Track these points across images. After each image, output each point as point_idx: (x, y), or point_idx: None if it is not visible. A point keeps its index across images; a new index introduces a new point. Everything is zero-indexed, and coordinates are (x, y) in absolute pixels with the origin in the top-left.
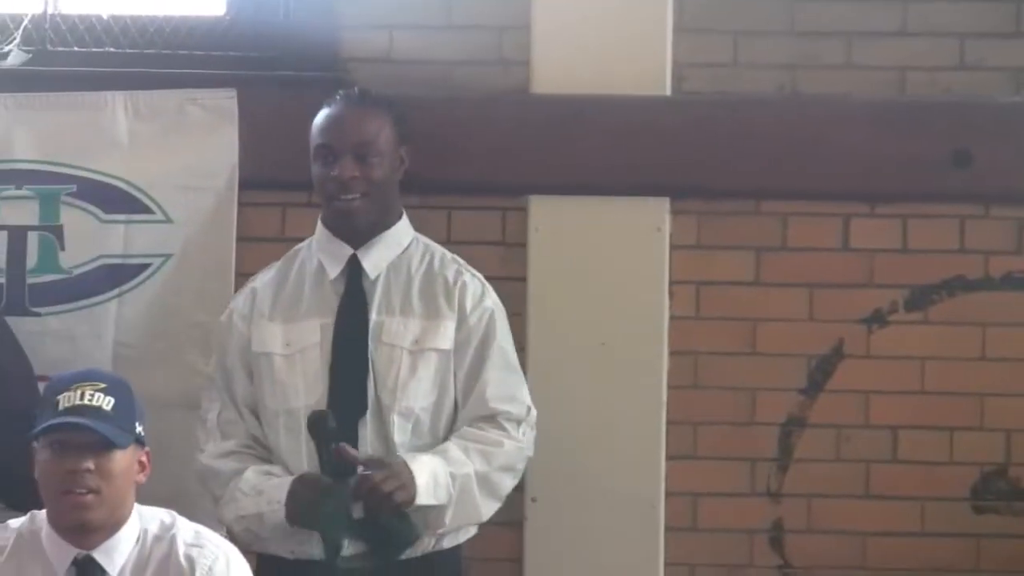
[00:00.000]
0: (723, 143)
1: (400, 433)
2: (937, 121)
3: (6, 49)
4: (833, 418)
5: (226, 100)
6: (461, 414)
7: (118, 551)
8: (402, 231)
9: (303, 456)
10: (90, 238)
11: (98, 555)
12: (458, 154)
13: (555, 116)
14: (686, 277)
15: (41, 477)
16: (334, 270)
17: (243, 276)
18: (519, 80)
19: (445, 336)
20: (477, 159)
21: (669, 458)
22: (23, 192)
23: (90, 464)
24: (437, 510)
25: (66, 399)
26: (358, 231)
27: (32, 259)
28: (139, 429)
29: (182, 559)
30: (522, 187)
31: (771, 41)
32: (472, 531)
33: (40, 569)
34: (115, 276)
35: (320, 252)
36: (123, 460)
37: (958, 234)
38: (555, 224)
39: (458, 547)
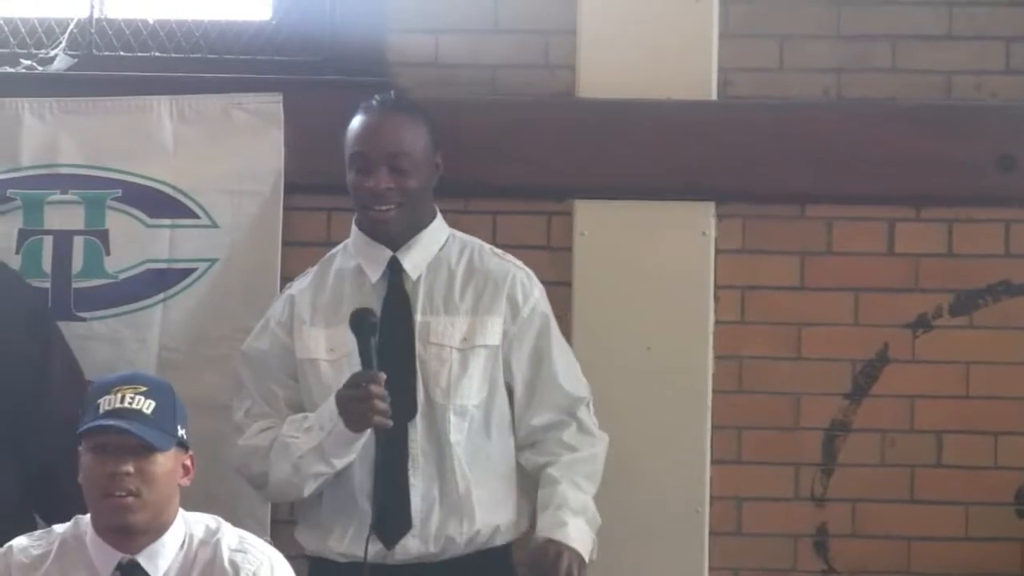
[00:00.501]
0: (768, 147)
1: (456, 432)
2: (982, 125)
3: (52, 53)
4: (878, 423)
5: (272, 104)
6: (533, 403)
7: (162, 556)
8: (438, 229)
9: (366, 456)
10: (135, 242)
11: (142, 559)
12: (503, 158)
13: (601, 120)
14: (731, 281)
15: (84, 480)
16: (375, 273)
17: (288, 280)
18: (565, 84)
19: (493, 332)
20: (522, 163)
21: (714, 462)
22: (68, 196)
23: (130, 467)
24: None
25: (107, 402)
26: (393, 238)
27: (78, 264)
28: (181, 432)
29: (227, 564)
30: (567, 191)
31: (817, 45)
32: (523, 528)
33: (85, 573)
34: (160, 280)
35: (359, 256)
36: (165, 463)
37: (1003, 238)
38: (600, 228)
39: (508, 545)
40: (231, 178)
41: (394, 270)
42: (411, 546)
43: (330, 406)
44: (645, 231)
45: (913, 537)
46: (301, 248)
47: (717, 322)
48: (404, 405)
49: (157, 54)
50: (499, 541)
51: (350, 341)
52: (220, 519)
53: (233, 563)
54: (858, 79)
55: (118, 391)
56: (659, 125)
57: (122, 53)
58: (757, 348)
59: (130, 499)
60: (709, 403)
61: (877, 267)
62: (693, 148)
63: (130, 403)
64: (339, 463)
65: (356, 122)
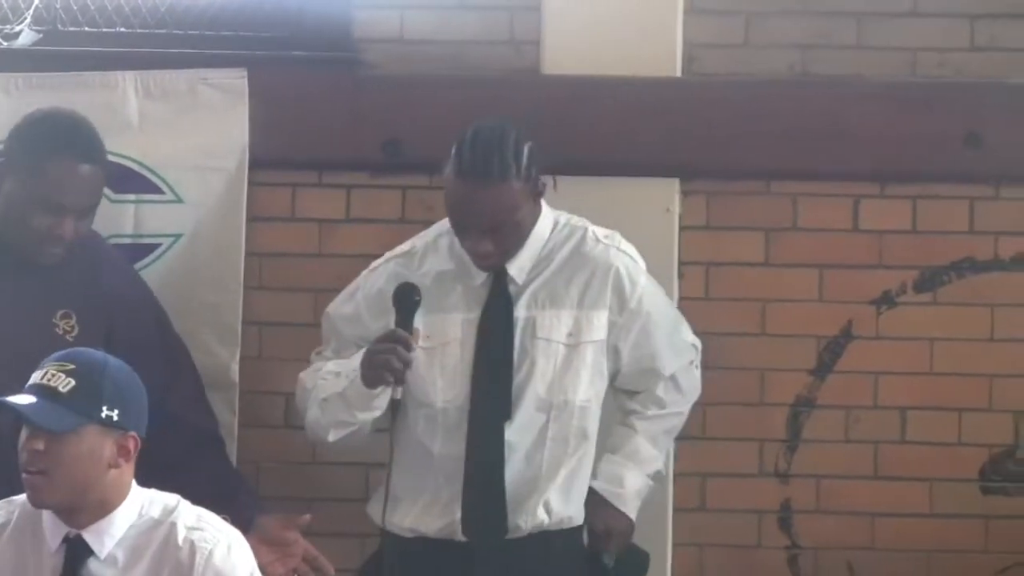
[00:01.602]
0: (734, 124)
1: (555, 426)
2: (948, 102)
3: (17, 29)
4: (842, 399)
5: (237, 80)
6: (634, 382)
7: (109, 534)
8: (542, 228)
9: (437, 433)
10: (101, 218)
11: (87, 535)
12: None
13: (565, 96)
14: (696, 258)
15: None
16: (479, 276)
17: (253, 256)
18: (530, 60)
19: (599, 327)
20: None
21: (678, 439)
22: None
23: (40, 445)
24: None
25: (35, 376)
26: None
27: None
28: (108, 413)
29: (182, 543)
30: None
31: (782, 21)
32: None
33: (37, 543)
34: (126, 256)
35: (465, 254)
36: (79, 444)
37: (968, 215)
38: (565, 204)
39: (579, 527)
40: (196, 154)
41: (498, 273)
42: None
43: (359, 355)
44: (610, 207)
45: (877, 513)
46: (266, 223)
47: (682, 298)
48: (497, 402)
49: (122, 30)
50: (568, 525)
51: (449, 330)
52: (180, 498)
53: (189, 541)
54: (823, 56)
55: (47, 368)
56: (624, 102)
57: (87, 29)
58: (722, 324)
59: (38, 477)
60: None
61: (842, 243)
62: (658, 124)
63: (48, 380)
64: (361, 416)
65: (450, 185)
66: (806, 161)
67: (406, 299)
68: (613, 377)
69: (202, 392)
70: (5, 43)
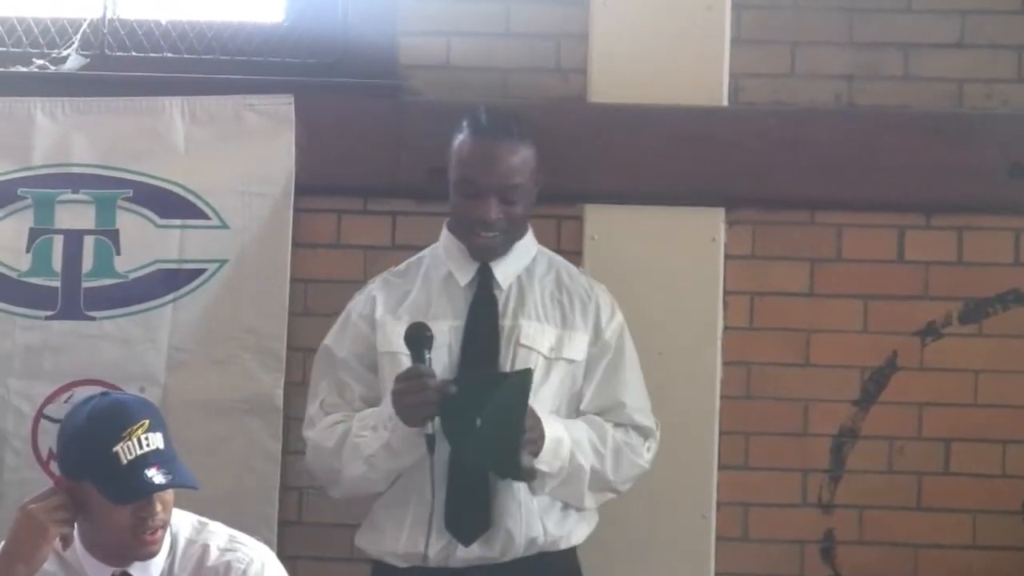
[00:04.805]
0: (779, 153)
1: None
2: (994, 133)
3: (64, 53)
4: (886, 430)
5: (283, 106)
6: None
7: (154, 563)
8: (529, 243)
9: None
10: (146, 243)
11: (134, 571)
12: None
13: (611, 125)
14: (740, 287)
15: (100, 518)
16: (464, 278)
17: (298, 282)
18: (576, 88)
19: (579, 348)
20: None
21: (721, 468)
22: (80, 196)
23: (158, 506)
24: (542, 474)
25: (131, 449)
26: (491, 257)
27: (88, 263)
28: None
29: (217, 564)
30: (578, 195)
31: (829, 52)
32: (588, 531)
33: None
34: (170, 281)
35: (449, 260)
36: (172, 492)
37: (1014, 247)
38: (610, 233)
39: (574, 549)
40: (242, 179)
41: (484, 276)
42: (473, 549)
43: (387, 403)
44: (655, 236)
45: (920, 545)
46: (311, 250)
47: (726, 328)
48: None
49: (169, 55)
50: (563, 545)
51: (436, 336)
52: (208, 520)
53: (224, 562)
54: (869, 86)
55: (133, 434)
56: (670, 130)
57: (134, 54)
58: (766, 354)
59: (159, 533)
60: (717, 408)
61: (887, 274)
62: (704, 153)
63: (148, 445)
64: (411, 458)
65: (467, 144)
66: (851, 191)
67: (418, 336)
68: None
69: None
70: (52, 67)
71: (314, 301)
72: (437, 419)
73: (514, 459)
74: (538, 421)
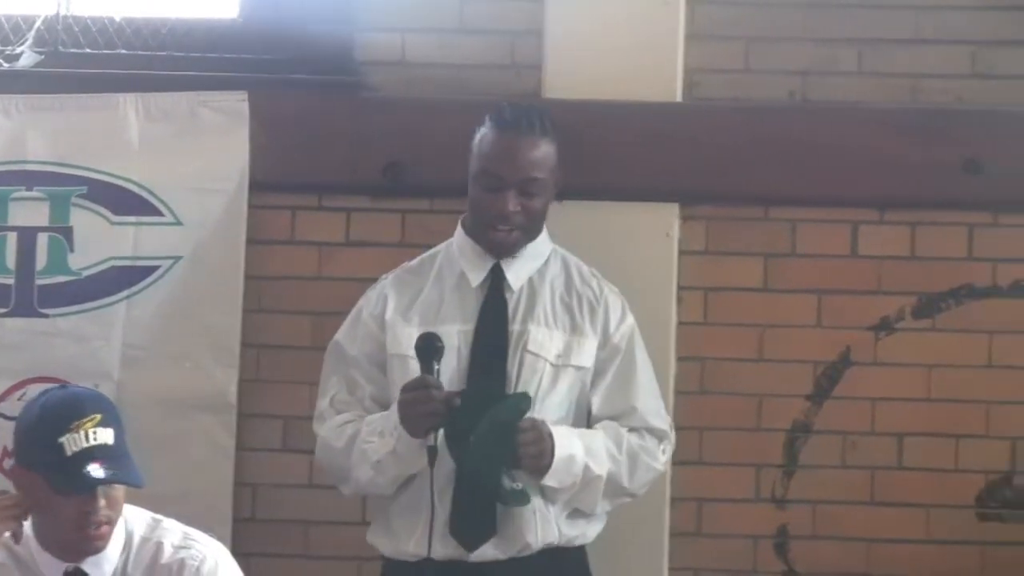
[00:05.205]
0: (733, 149)
1: None
2: (948, 129)
3: (18, 50)
4: (839, 425)
5: (238, 103)
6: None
7: (107, 560)
8: (542, 243)
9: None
10: (100, 240)
11: (87, 567)
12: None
13: (566, 121)
14: (695, 283)
15: (46, 511)
16: (476, 278)
17: (252, 279)
18: (531, 84)
19: (588, 354)
20: None
21: (675, 463)
22: (34, 193)
23: (102, 500)
24: (552, 490)
25: (77, 441)
26: (508, 253)
27: (42, 260)
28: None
29: (170, 561)
30: None
31: (783, 48)
32: (600, 529)
33: None
34: (124, 278)
35: (462, 258)
36: (122, 488)
37: (967, 242)
38: (565, 228)
39: (585, 546)
40: (196, 176)
41: (496, 277)
42: (487, 551)
43: (395, 409)
44: (609, 232)
45: (874, 539)
46: (265, 247)
47: (680, 323)
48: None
49: (124, 52)
50: (578, 543)
51: (446, 340)
52: (163, 517)
53: (177, 559)
54: (824, 82)
55: (82, 427)
56: (624, 126)
57: (89, 50)
58: (720, 349)
59: (104, 528)
60: (671, 403)
61: (840, 269)
62: (658, 149)
63: (96, 439)
64: (418, 465)
65: (489, 138)
66: (805, 187)
67: (429, 347)
68: (588, 416)
69: None
70: (6, 64)
71: (268, 298)
72: (441, 431)
73: (495, 481)
74: (541, 438)
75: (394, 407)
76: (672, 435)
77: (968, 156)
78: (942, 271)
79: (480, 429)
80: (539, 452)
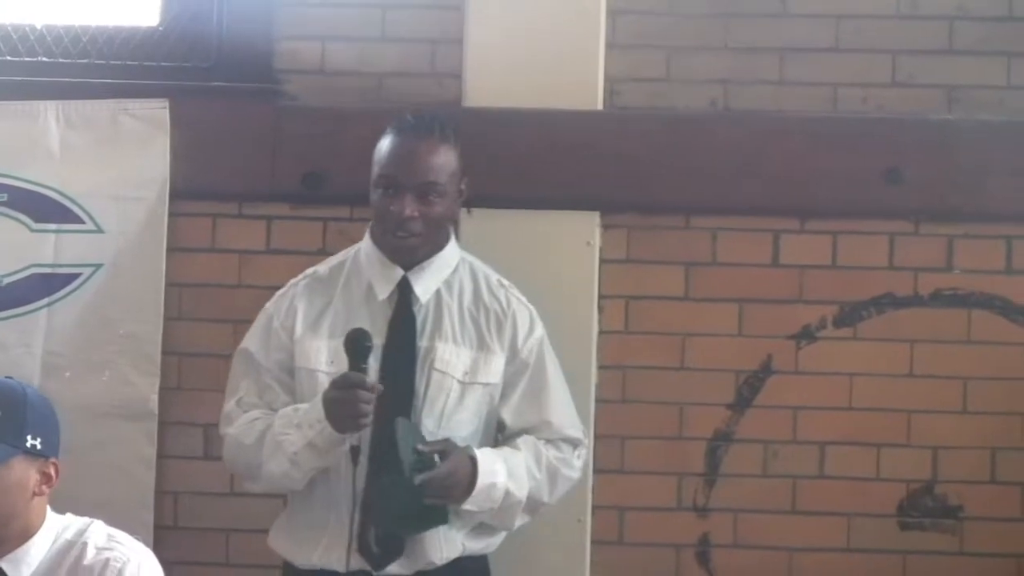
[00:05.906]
0: (655, 158)
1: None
2: (869, 138)
3: None
4: (761, 433)
5: (158, 110)
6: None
7: (26, 562)
8: (450, 253)
9: (342, 466)
10: (21, 247)
11: (5, 565)
12: None
13: (486, 129)
14: (616, 291)
15: None
16: (384, 291)
17: (173, 286)
18: (452, 93)
19: (495, 371)
20: None
21: (597, 472)
22: None
23: None
24: (470, 513)
25: None
26: (411, 260)
27: None
28: (32, 442)
29: (93, 562)
30: None
31: (704, 57)
32: (502, 537)
33: None
34: (45, 285)
35: (370, 270)
36: (9, 475)
37: (888, 251)
38: (485, 237)
39: (487, 555)
40: (117, 184)
41: (404, 290)
42: (391, 567)
43: (317, 406)
44: (530, 241)
45: (795, 548)
46: (186, 254)
47: (601, 332)
48: None
49: (44, 59)
50: (481, 552)
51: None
52: (95, 520)
53: (100, 560)
54: (745, 91)
55: None
56: (545, 135)
57: (9, 57)
58: (641, 358)
59: None
60: (593, 412)
61: (761, 278)
62: (579, 158)
63: None
64: (332, 460)
65: (387, 142)
66: (726, 196)
67: (358, 344)
68: (501, 429)
69: None
70: None
71: (189, 305)
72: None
73: (409, 531)
74: (452, 474)
75: (316, 402)
76: (587, 440)
77: (889, 165)
78: (863, 280)
79: (384, 484)
80: (456, 490)
